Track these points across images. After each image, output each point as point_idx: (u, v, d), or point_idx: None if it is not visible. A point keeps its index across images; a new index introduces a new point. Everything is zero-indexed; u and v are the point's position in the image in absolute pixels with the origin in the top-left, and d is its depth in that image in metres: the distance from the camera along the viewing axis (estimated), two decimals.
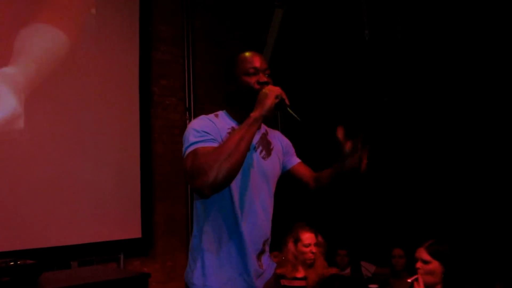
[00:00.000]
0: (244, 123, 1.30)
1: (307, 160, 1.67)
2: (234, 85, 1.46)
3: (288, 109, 1.37)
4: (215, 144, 1.32)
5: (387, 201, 3.50)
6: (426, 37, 3.32)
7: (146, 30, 3.44)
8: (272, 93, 1.33)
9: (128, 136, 3.22)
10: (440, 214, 3.16)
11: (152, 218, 3.33)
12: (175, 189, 3.52)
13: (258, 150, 1.47)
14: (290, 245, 2.49)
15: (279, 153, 1.57)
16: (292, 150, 1.65)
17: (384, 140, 3.54)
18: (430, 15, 3.27)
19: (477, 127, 3.05)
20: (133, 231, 3.16)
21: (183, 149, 1.36)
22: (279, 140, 1.61)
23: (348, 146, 1.45)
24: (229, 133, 1.40)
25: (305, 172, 1.62)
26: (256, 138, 1.48)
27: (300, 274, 2.46)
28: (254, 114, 1.31)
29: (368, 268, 3.29)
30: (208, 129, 1.38)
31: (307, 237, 2.47)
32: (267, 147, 1.52)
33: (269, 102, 1.32)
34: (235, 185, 1.38)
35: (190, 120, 3.64)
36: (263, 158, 1.48)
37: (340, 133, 1.48)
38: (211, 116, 1.47)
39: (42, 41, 2.80)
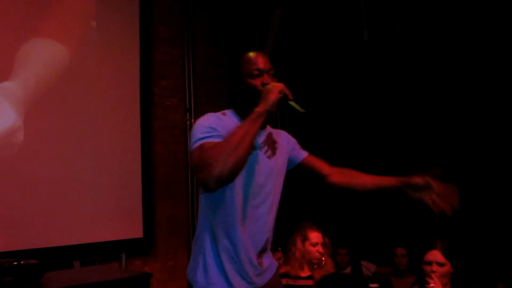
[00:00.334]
0: (248, 118, 1.32)
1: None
2: (239, 87, 1.48)
3: (291, 102, 1.39)
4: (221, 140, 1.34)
5: (387, 200, 3.51)
6: (426, 36, 3.33)
7: (146, 31, 3.45)
8: (275, 88, 1.36)
9: (129, 137, 3.23)
10: (441, 214, 3.16)
11: (154, 218, 3.34)
12: (176, 189, 3.54)
13: (263, 150, 1.49)
14: (299, 243, 2.49)
15: (285, 152, 1.59)
16: (297, 146, 1.68)
17: (384, 139, 3.56)
18: (430, 14, 3.28)
19: (478, 125, 3.06)
20: (135, 231, 3.18)
21: (190, 144, 1.38)
22: (284, 139, 1.63)
23: (424, 179, 1.55)
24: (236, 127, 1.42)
25: (318, 164, 1.67)
26: (262, 138, 1.50)
27: (305, 273, 2.45)
28: (258, 109, 1.33)
29: (368, 268, 3.31)
30: (215, 126, 1.40)
31: (315, 236, 2.46)
32: (272, 146, 1.54)
33: (273, 97, 1.34)
34: (239, 183, 1.40)
35: (190, 121, 3.66)
36: (268, 157, 1.50)
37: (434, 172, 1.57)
38: (219, 114, 1.49)
39: (42, 52, 2.82)
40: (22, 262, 1.73)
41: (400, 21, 3.39)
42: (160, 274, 3.31)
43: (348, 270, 3.30)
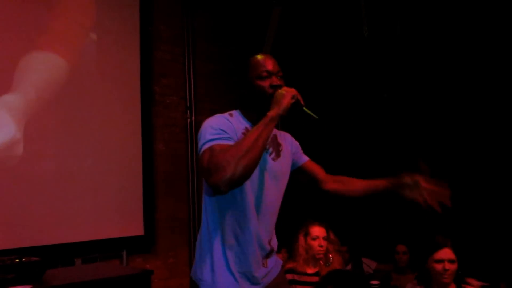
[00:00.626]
0: (261, 122, 1.33)
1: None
2: (248, 89, 1.49)
3: (304, 108, 1.42)
4: (231, 142, 1.35)
5: (387, 198, 3.52)
6: (425, 32, 3.33)
7: (146, 30, 3.46)
8: (288, 93, 1.38)
9: (130, 135, 3.25)
10: (442, 212, 3.17)
11: (154, 216, 3.36)
12: (176, 187, 3.56)
13: (269, 152, 1.50)
14: (301, 239, 2.50)
15: (288, 155, 1.61)
16: (300, 149, 1.70)
17: (384, 136, 3.56)
18: (429, 11, 3.28)
19: (478, 122, 3.06)
20: (136, 228, 3.20)
21: (199, 145, 1.38)
22: (288, 142, 1.64)
23: (412, 178, 1.55)
24: (243, 133, 1.43)
25: (317, 170, 1.68)
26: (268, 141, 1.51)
27: (311, 269, 2.46)
28: (271, 113, 1.34)
29: (369, 265, 3.31)
30: (224, 127, 1.40)
31: (315, 230, 2.47)
32: (277, 148, 1.55)
33: (286, 101, 1.36)
34: (249, 184, 1.41)
35: (191, 118, 3.67)
36: (273, 159, 1.51)
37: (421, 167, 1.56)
38: (226, 115, 1.50)
39: (42, 61, 2.84)
40: (23, 260, 1.73)
41: (400, 18, 3.39)
42: (161, 271, 3.33)
43: (349, 267, 3.31)
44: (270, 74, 1.46)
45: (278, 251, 3.40)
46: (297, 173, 1.66)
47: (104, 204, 3.02)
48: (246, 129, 1.46)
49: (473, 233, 2.95)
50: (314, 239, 2.45)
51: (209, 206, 1.49)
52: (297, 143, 1.70)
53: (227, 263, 1.43)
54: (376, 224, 3.60)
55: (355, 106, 3.79)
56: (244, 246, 1.44)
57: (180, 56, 3.73)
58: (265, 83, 1.45)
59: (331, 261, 2.45)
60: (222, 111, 1.52)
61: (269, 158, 1.50)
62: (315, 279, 2.37)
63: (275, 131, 1.58)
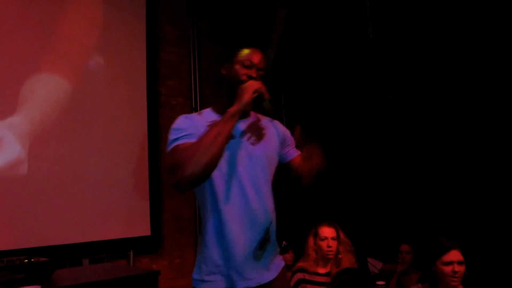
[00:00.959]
0: (221, 119, 1.33)
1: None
2: (227, 69, 1.52)
3: (265, 103, 1.37)
4: (193, 140, 1.34)
5: (393, 197, 3.51)
6: (431, 33, 3.32)
7: (152, 31, 3.49)
8: (250, 88, 1.36)
9: (136, 137, 3.27)
10: (447, 211, 3.16)
11: (161, 217, 3.38)
12: None
13: (246, 137, 1.48)
14: (310, 240, 2.52)
15: (275, 141, 1.56)
16: (291, 141, 1.63)
17: (390, 137, 3.55)
18: (435, 11, 3.27)
19: (485, 123, 3.04)
20: (142, 229, 3.22)
21: (166, 149, 1.40)
22: (275, 127, 1.61)
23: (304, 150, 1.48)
24: (208, 125, 1.41)
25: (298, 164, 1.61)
26: (243, 126, 1.49)
27: (322, 269, 2.47)
28: (232, 109, 1.33)
29: (374, 265, 3.31)
30: (183, 126, 1.42)
31: (324, 231, 2.49)
32: (258, 133, 1.52)
33: (246, 97, 1.34)
34: (218, 174, 1.38)
35: None
36: (252, 144, 1.48)
37: (296, 133, 1.52)
38: (194, 114, 1.53)
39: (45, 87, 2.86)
40: (32, 260, 1.75)
41: (405, 18, 3.38)
42: (167, 271, 3.35)
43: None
44: (252, 65, 1.46)
45: (286, 251, 3.43)
46: (284, 168, 1.60)
47: (111, 205, 3.04)
48: (213, 121, 1.44)
49: (479, 230, 2.94)
50: (323, 239, 2.47)
51: (199, 204, 1.49)
52: (286, 131, 1.65)
53: (212, 260, 1.40)
54: (381, 223, 3.59)
55: (360, 107, 3.79)
56: (228, 240, 1.39)
57: (186, 58, 3.75)
58: (243, 71, 1.45)
59: (341, 261, 2.46)
60: None
61: (247, 144, 1.46)
62: (326, 279, 2.38)
63: (257, 117, 1.57)
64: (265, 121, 1.59)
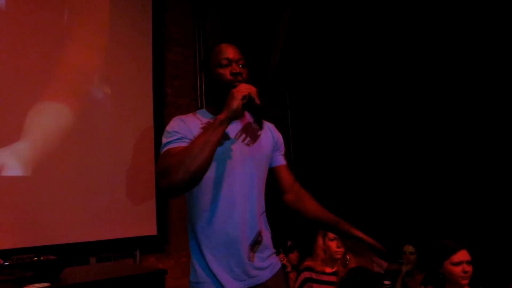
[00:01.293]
0: (210, 126, 1.30)
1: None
2: (209, 78, 1.48)
3: (254, 103, 1.33)
4: (185, 143, 1.33)
5: (397, 198, 3.51)
6: (431, 33, 3.31)
7: (158, 31, 3.51)
8: (238, 94, 1.31)
9: (143, 136, 3.30)
10: (449, 212, 3.15)
11: (167, 216, 3.40)
12: None
13: (241, 138, 1.46)
14: (319, 240, 2.54)
15: (269, 143, 1.55)
16: (282, 147, 1.62)
17: (393, 137, 3.55)
18: (440, 12, 3.26)
19: (492, 125, 3.02)
20: (149, 228, 3.24)
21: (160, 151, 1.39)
22: (270, 130, 1.59)
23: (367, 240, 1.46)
24: (202, 128, 1.40)
25: (286, 178, 1.57)
26: (237, 127, 1.48)
27: (329, 269, 2.49)
28: (221, 116, 1.29)
29: (380, 265, 3.31)
30: (177, 128, 1.40)
31: None
32: (253, 134, 1.50)
33: (235, 103, 1.29)
34: (211, 176, 1.37)
35: None
36: (248, 144, 1.46)
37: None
38: (188, 115, 1.50)
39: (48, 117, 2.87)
40: (42, 258, 1.78)
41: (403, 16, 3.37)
42: (173, 270, 3.36)
43: None
44: (230, 61, 1.43)
45: (291, 251, 3.43)
46: (269, 172, 1.56)
47: (118, 205, 3.07)
48: (208, 123, 1.43)
49: (483, 232, 2.93)
50: (332, 240, 2.48)
51: (187, 207, 1.47)
52: (280, 136, 1.63)
53: (205, 262, 1.38)
54: (385, 224, 3.59)
55: (366, 108, 3.79)
56: (218, 242, 1.37)
57: (191, 58, 3.76)
58: (225, 71, 1.42)
59: (348, 262, 2.48)
60: None
61: (242, 145, 1.45)
62: (333, 278, 2.40)
63: (248, 115, 1.55)
64: (259, 122, 1.58)
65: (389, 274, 3.05)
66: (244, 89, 1.32)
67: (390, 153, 3.58)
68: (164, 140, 1.39)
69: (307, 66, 4.17)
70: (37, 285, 1.59)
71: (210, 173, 1.35)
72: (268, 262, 1.47)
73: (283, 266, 3.01)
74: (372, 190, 3.65)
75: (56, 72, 2.92)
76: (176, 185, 1.23)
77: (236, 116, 1.32)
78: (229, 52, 1.45)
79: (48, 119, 2.84)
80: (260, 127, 1.56)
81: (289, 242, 3.56)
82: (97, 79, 3.13)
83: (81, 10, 3.09)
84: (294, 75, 4.28)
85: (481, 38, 3.03)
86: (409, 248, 3.11)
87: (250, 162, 1.44)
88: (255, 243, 1.42)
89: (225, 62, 1.43)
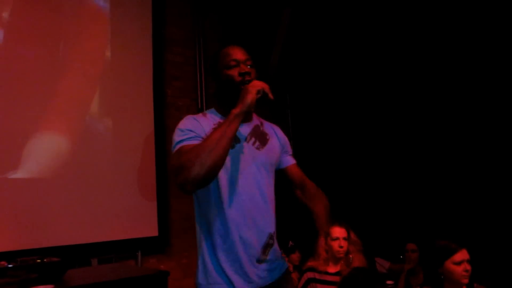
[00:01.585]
0: (225, 120, 1.32)
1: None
2: (218, 81, 1.49)
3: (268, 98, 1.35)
4: (198, 141, 1.34)
5: (398, 197, 3.51)
6: (430, 33, 3.31)
7: (158, 32, 3.50)
8: (253, 88, 1.34)
9: (143, 137, 3.29)
10: (452, 211, 3.16)
11: (168, 217, 3.39)
12: None
13: (251, 141, 1.48)
14: (321, 240, 2.53)
15: (277, 146, 1.58)
16: (289, 148, 1.65)
17: (395, 135, 3.55)
18: (439, 12, 3.26)
19: (497, 126, 3.02)
20: (150, 229, 3.23)
21: (172, 150, 1.40)
22: (276, 133, 1.61)
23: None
24: (214, 128, 1.41)
25: (297, 175, 1.63)
26: (247, 130, 1.49)
27: (332, 269, 2.49)
28: (235, 111, 1.32)
29: (382, 265, 3.31)
30: (191, 127, 1.41)
31: (335, 231, 2.50)
32: (262, 137, 1.52)
33: (250, 97, 1.32)
34: (224, 178, 1.39)
35: None
36: (258, 148, 1.48)
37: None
38: (199, 115, 1.51)
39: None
40: (45, 260, 1.77)
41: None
42: (174, 271, 3.36)
43: None
44: (238, 62, 1.45)
45: (292, 252, 3.43)
46: (279, 173, 1.61)
47: (119, 206, 3.06)
48: (219, 123, 1.43)
49: (484, 230, 2.94)
50: (334, 239, 2.48)
51: (196, 206, 1.49)
52: (286, 138, 1.66)
53: (218, 263, 1.39)
54: (387, 223, 3.60)
55: (368, 108, 3.79)
56: (232, 243, 1.38)
57: (191, 59, 3.76)
58: (233, 72, 1.43)
59: (351, 261, 2.47)
60: None
61: (252, 148, 1.47)
62: (337, 278, 2.39)
63: (260, 120, 1.58)
64: (266, 125, 1.60)
65: (392, 274, 3.05)
66: (258, 85, 1.35)
67: (392, 151, 3.58)
68: (177, 138, 1.39)
69: (307, 65, 4.16)
70: (41, 287, 1.58)
71: (225, 175, 1.38)
72: (276, 263, 1.48)
73: None
74: (373, 189, 3.65)
75: (56, 73, 2.91)
76: (193, 180, 1.23)
77: (250, 110, 1.34)
78: (237, 53, 1.47)
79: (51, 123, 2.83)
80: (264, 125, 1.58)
81: (290, 243, 3.56)
82: (98, 77, 3.13)
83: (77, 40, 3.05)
84: (294, 74, 4.27)
85: (481, 38, 3.03)
86: (411, 246, 3.11)
87: (261, 165, 1.46)
88: (267, 246, 1.44)
89: (233, 63, 1.45)
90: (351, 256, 2.45)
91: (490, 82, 3.01)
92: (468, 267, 1.91)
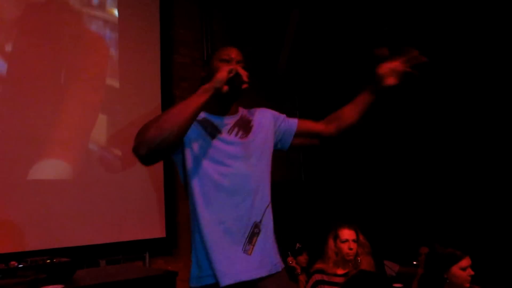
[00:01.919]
0: (194, 94, 1.34)
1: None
2: (207, 70, 1.52)
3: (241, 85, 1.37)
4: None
5: (411, 199, 3.48)
6: (431, 33, 3.28)
7: (166, 34, 3.51)
8: (226, 67, 1.38)
9: None
10: (462, 213, 3.12)
11: (176, 218, 3.39)
12: None
13: (233, 133, 1.48)
14: (330, 242, 2.52)
15: (265, 129, 1.56)
16: (282, 115, 1.64)
17: (405, 138, 3.52)
18: (439, 12, 3.23)
19: (491, 125, 2.99)
20: (158, 231, 3.23)
21: None
22: (262, 115, 1.60)
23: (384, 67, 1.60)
24: (199, 121, 1.44)
25: (310, 125, 1.64)
26: (230, 123, 1.49)
27: (341, 271, 2.47)
28: (205, 85, 1.34)
29: (391, 268, 3.28)
30: None
31: (345, 233, 2.49)
32: (245, 126, 1.52)
33: (221, 74, 1.34)
34: (205, 170, 1.40)
35: None
36: (241, 138, 1.48)
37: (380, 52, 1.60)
38: None
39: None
40: (54, 260, 1.78)
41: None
42: (182, 272, 3.32)
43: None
44: (231, 59, 1.47)
45: (300, 254, 3.41)
46: (296, 139, 1.61)
47: (127, 208, 3.06)
48: (204, 119, 1.46)
49: (490, 232, 2.91)
50: (343, 242, 2.46)
51: (189, 204, 1.49)
52: (274, 112, 1.64)
53: (207, 256, 1.39)
54: (398, 226, 3.56)
55: (379, 108, 3.76)
56: (217, 236, 1.38)
57: (199, 60, 3.76)
58: (223, 65, 1.44)
59: (359, 264, 2.45)
60: None
61: (235, 138, 1.46)
62: (344, 280, 2.38)
63: (242, 110, 1.57)
64: (251, 112, 1.60)
65: (401, 277, 3.02)
66: (233, 66, 1.39)
67: (404, 152, 3.55)
68: None
69: (316, 67, 4.15)
70: (51, 287, 1.58)
71: (209, 163, 1.39)
72: (270, 259, 1.45)
73: (292, 269, 3.00)
74: (385, 191, 3.62)
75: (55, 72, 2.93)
76: (147, 142, 1.24)
77: (219, 86, 1.33)
78: (232, 51, 1.51)
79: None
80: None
81: (297, 245, 3.54)
82: (107, 80, 3.14)
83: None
84: (303, 75, 4.26)
85: (481, 39, 3.01)
86: (425, 250, 3.07)
87: (249, 154, 1.46)
88: (252, 235, 1.41)
89: (226, 57, 1.48)
90: (359, 259, 2.43)
91: (487, 83, 2.98)
92: (472, 272, 2.02)
